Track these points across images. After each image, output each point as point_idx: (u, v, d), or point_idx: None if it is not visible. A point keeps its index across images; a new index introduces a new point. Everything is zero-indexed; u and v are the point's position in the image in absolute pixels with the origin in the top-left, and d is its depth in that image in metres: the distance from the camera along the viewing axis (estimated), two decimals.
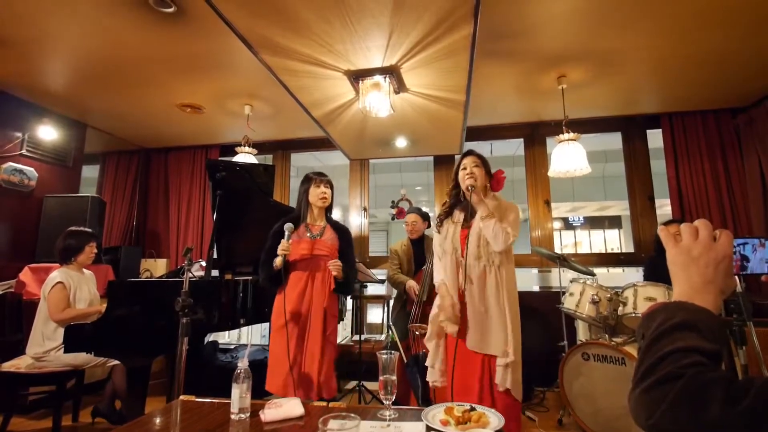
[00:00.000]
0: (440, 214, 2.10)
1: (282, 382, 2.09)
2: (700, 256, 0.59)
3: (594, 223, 10.53)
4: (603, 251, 9.82)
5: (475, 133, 4.23)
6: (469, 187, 1.89)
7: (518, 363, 1.84)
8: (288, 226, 2.12)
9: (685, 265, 0.60)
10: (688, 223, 0.63)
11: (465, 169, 1.98)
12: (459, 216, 2.02)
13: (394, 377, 1.23)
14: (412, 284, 2.96)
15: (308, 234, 2.27)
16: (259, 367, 3.32)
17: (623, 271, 4.63)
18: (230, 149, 4.32)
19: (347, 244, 2.31)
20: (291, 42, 2.17)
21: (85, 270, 2.74)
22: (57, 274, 2.54)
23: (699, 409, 0.45)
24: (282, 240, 2.11)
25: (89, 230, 2.76)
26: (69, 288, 2.54)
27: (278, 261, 2.13)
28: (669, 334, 0.53)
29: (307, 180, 2.33)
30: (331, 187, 2.34)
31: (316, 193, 2.27)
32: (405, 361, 2.72)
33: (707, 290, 0.57)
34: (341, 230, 2.33)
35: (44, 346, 2.47)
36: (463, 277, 1.89)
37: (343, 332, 4.56)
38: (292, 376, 2.09)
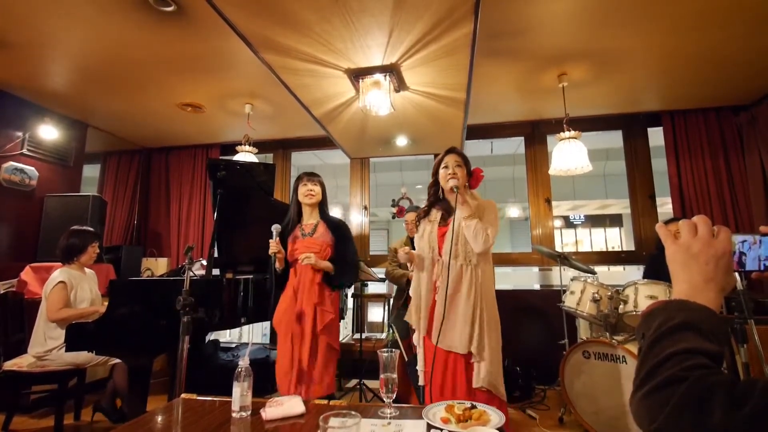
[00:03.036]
0: (419, 213, 2.09)
1: (281, 380, 2.15)
2: (699, 253, 0.58)
3: (595, 221, 10.52)
4: (604, 249, 9.81)
5: (476, 132, 4.22)
6: (454, 188, 1.87)
7: (493, 361, 1.81)
8: (275, 227, 2.17)
9: (684, 262, 0.59)
10: (686, 219, 0.61)
11: (446, 167, 1.97)
12: (436, 214, 2.01)
13: (395, 375, 1.23)
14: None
15: (300, 234, 2.30)
16: (260, 366, 3.34)
17: (624, 269, 4.62)
18: (231, 148, 4.32)
19: (340, 238, 2.32)
20: (291, 41, 2.16)
21: (86, 269, 2.74)
22: (59, 273, 2.55)
23: (702, 413, 0.44)
24: (270, 241, 2.15)
25: (92, 229, 2.76)
26: (70, 288, 2.55)
27: (276, 263, 2.18)
28: (670, 334, 0.52)
29: (297, 180, 2.38)
30: (321, 186, 2.36)
31: (302, 191, 2.31)
32: (406, 359, 2.72)
33: (708, 288, 0.56)
34: (334, 225, 2.34)
35: (46, 346, 2.47)
36: (438, 275, 1.89)
37: (344, 331, 4.56)
38: (290, 374, 2.12)
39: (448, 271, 1.85)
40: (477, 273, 1.87)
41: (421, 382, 1.94)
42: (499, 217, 1.99)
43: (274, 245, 2.14)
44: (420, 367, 1.95)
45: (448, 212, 1.98)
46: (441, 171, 1.99)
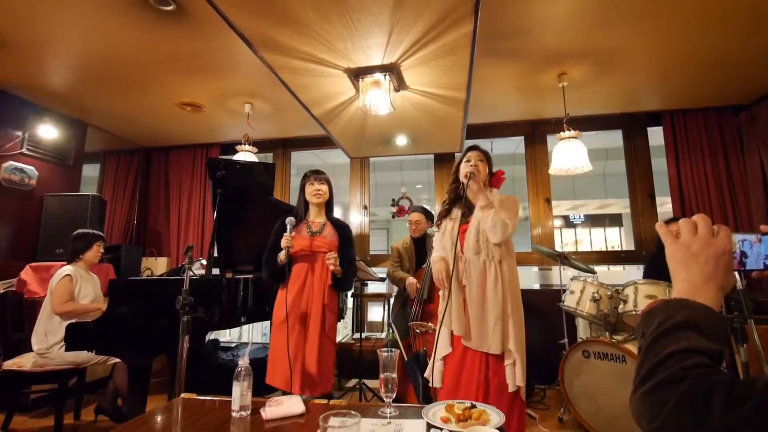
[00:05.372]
0: (440, 212, 2.08)
1: (282, 377, 2.11)
2: (699, 252, 0.58)
3: (595, 221, 10.51)
4: (603, 249, 9.81)
5: (476, 131, 4.22)
6: (468, 174, 1.83)
7: (524, 360, 1.80)
8: (290, 220, 2.17)
9: (684, 261, 0.59)
10: (686, 218, 0.62)
11: (469, 161, 1.96)
12: (457, 212, 2.01)
13: (395, 375, 1.23)
14: (411, 281, 2.96)
15: (308, 230, 2.29)
16: (259, 365, 3.33)
17: (624, 269, 4.62)
18: (231, 148, 4.32)
19: (346, 240, 2.32)
20: (291, 40, 2.16)
21: (90, 272, 2.76)
22: (66, 268, 2.60)
23: (702, 412, 0.44)
24: (285, 234, 2.14)
25: (96, 231, 2.80)
26: (75, 282, 2.58)
27: (282, 255, 2.15)
28: (670, 333, 0.52)
29: (304, 178, 2.37)
30: (328, 184, 2.35)
31: (310, 191, 2.30)
32: (405, 359, 2.72)
33: (707, 287, 0.56)
34: (341, 227, 2.35)
35: (47, 342, 2.48)
36: (463, 272, 1.88)
37: (344, 330, 4.57)
38: (291, 371, 2.10)
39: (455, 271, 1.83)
40: (502, 269, 1.85)
41: (437, 383, 1.88)
42: (520, 211, 1.96)
43: (288, 238, 2.13)
44: (438, 367, 1.88)
45: (469, 209, 1.97)
46: (462, 164, 1.98)
